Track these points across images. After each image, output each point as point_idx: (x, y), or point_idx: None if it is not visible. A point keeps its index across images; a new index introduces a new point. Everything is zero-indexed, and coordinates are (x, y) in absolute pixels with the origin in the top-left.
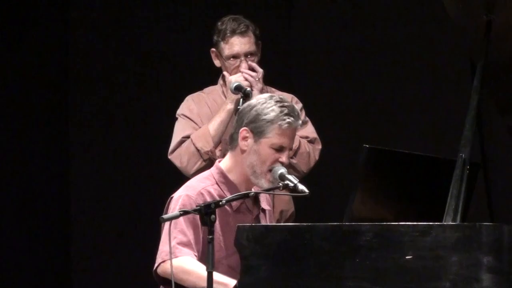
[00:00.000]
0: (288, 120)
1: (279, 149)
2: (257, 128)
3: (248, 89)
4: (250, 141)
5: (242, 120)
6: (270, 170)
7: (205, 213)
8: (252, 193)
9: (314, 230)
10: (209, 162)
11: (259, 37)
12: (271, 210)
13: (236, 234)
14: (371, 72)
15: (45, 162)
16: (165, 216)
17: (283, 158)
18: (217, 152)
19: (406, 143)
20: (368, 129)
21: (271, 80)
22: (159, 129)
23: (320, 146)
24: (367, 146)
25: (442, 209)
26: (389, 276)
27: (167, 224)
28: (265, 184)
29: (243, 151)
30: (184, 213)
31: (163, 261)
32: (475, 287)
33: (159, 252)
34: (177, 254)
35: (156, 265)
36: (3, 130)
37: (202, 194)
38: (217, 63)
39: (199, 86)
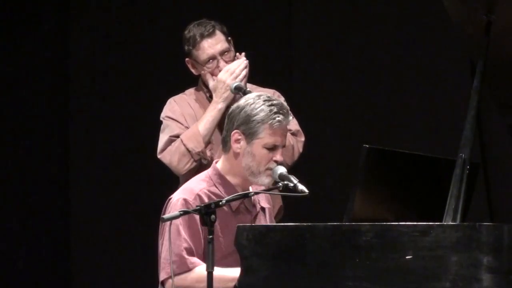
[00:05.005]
0: (278, 118)
1: (273, 148)
2: (249, 129)
3: (248, 89)
4: (243, 143)
5: (233, 123)
6: (269, 169)
7: (205, 213)
8: (252, 193)
9: (314, 230)
10: (199, 162)
11: (228, 33)
12: (271, 207)
13: (236, 234)
14: (371, 72)
15: (45, 163)
16: (165, 216)
17: (277, 156)
18: (208, 152)
19: (406, 143)
20: (368, 129)
21: (271, 80)
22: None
23: (303, 138)
24: (367, 146)
25: (442, 209)
26: (389, 276)
27: (168, 231)
28: (265, 180)
29: (237, 154)
30: (184, 213)
31: (182, 273)
32: (475, 287)
33: (166, 261)
34: (190, 266)
35: (165, 276)
36: (3, 130)
37: (200, 196)
38: (195, 71)
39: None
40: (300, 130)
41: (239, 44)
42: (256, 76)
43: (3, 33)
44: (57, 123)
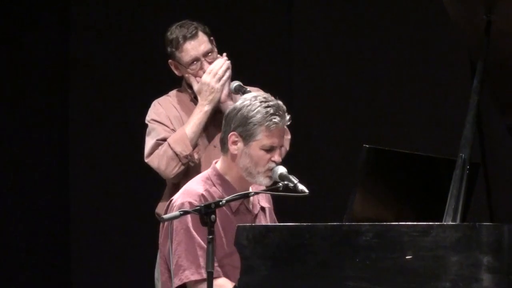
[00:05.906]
0: (275, 120)
1: (270, 149)
2: (245, 131)
3: (248, 89)
4: (240, 145)
5: (230, 124)
6: (268, 169)
7: (205, 213)
8: (252, 193)
9: (314, 230)
10: (187, 165)
11: (210, 33)
12: (271, 207)
13: (236, 234)
14: (371, 72)
15: (45, 163)
16: (165, 216)
17: (275, 157)
18: (195, 155)
19: (406, 143)
20: (368, 129)
21: (271, 81)
22: None
23: (289, 136)
24: (367, 146)
25: (442, 209)
26: (389, 276)
27: (180, 234)
28: (263, 181)
29: (234, 155)
30: (184, 213)
31: (200, 281)
32: (475, 287)
33: (179, 268)
34: (205, 276)
35: (178, 283)
36: (3, 130)
37: (204, 196)
38: (178, 72)
39: None
40: (287, 128)
41: (238, 44)
42: (256, 76)
43: (3, 33)
44: (57, 123)
